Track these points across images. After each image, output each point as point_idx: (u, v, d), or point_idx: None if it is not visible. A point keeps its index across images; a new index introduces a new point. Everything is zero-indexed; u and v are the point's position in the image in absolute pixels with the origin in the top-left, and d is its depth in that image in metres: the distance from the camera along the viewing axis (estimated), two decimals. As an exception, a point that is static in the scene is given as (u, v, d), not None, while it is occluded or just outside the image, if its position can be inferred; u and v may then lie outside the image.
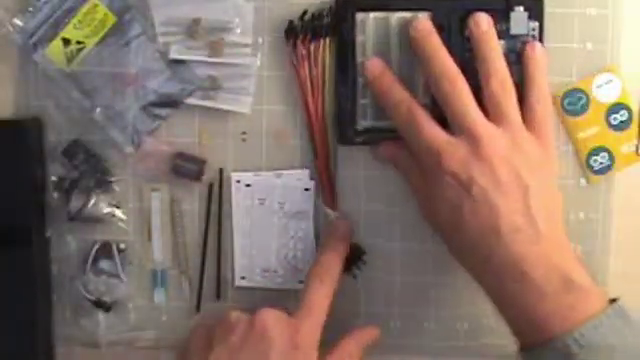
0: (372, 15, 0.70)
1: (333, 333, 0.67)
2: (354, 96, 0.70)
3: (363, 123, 0.71)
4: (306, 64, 0.70)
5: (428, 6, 0.69)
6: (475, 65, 0.66)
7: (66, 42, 0.70)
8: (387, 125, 0.69)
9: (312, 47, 0.70)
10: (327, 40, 0.70)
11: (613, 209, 0.74)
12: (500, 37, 0.68)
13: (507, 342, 0.73)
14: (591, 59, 0.72)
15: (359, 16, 0.70)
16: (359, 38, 0.70)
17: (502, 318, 0.63)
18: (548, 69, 0.70)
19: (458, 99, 0.64)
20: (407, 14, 0.69)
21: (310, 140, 0.72)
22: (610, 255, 0.75)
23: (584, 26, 0.72)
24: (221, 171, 0.73)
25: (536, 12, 0.70)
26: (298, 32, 0.70)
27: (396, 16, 0.69)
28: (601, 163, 0.73)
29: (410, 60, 0.69)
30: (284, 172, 0.73)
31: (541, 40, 0.70)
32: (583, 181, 0.74)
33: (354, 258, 0.73)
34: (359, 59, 0.70)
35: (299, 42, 0.70)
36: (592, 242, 0.74)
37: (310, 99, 0.71)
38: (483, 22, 0.66)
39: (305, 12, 0.70)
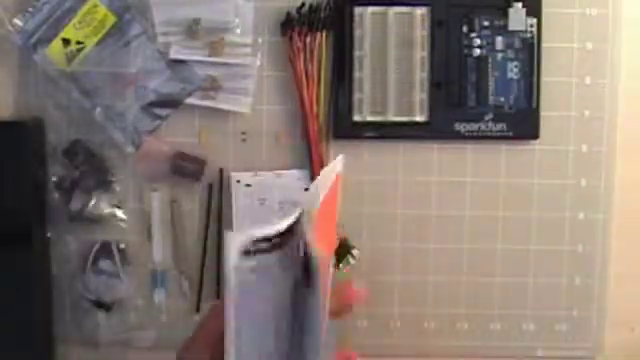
0: (370, 9, 0.70)
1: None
2: (350, 90, 0.71)
3: (359, 117, 0.71)
4: (302, 57, 0.70)
5: (426, 1, 0.69)
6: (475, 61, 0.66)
7: (66, 42, 0.70)
8: (382, 120, 0.70)
9: (308, 40, 0.70)
10: (324, 34, 0.70)
11: (613, 209, 0.74)
12: (498, 33, 0.69)
13: (509, 344, 0.73)
14: (591, 59, 0.73)
15: (357, 10, 0.70)
16: (357, 32, 0.70)
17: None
18: (549, 70, 0.70)
19: None
20: (405, 9, 0.70)
21: (304, 136, 0.72)
22: (610, 255, 0.75)
23: (584, 26, 0.72)
24: (221, 171, 0.73)
25: (534, 8, 0.70)
26: (295, 25, 0.70)
27: (394, 11, 0.70)
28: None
29: (407, 55, 0.70)
30: (284, 172, 0.73)
31: (539, 36, 0.70)
32: (583, 181, 0.74)
33: (343, 253, 0.72)
34: (356, 53, 0.70)
35: (295, 35, 0.70)
36: (592, 242, 0.74)
37: (305, 93, 0.71)
38: None
39: (303, 4, 0.70)
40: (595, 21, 0.72)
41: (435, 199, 0.74)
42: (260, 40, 0.72)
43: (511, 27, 0.70)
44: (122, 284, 0.74)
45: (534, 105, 0.72)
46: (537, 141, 0.73)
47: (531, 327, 0.75)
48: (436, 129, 0.72)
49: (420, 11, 0.70)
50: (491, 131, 0.72)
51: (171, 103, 0.72)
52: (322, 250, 0.38)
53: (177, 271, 0.75)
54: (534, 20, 0.70)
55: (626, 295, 0.75)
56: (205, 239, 0.74)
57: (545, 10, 0.71)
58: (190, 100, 0.72)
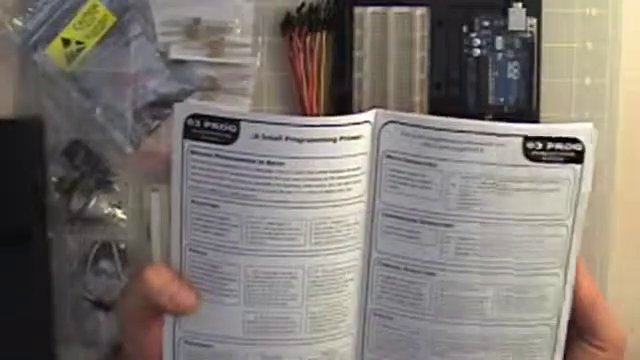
0: (370, 9, 0.70)
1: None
2: (350, 90, 0.71)
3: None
4: (302, 57, 0.70)
5: (426, 1, 0.69)
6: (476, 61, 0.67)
7: (66, 42, 0.70)
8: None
9: (308, 40, 0.70)
10: (324, 34, 0.70)
11: (613, 209, 0.74)
12: (498, 33, 0.69)
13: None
14: (591, 59, 0.73)
15: (357, 10, 0.70)
16: (357, 32, 0.70)
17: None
18: (549, 70, 0.70)
19: None
20: (405, 9, 0.70)
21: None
22: (609, 255, 0.74)
23: (584, 26, 0.72)
24: (221, 171, 0.73)
25: (534, 8, 0.70)
26: (295, 25, 0.70)
27: (394, 11, 0.70)
28: None
29: (407, 55, 0.70)
30: (284, 172, 0.73)
31: (539, 36, 0.70)
32: (583, 181, 0.74)
33: None
34: (356, 53, 0.70)
35: (295, 35, 0.70)
36: (591, 242, 0.74)
37: (305, 93, 0.71)
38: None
39: (303, 4, 0.70)
40: (595, 21, 0.72)
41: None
42: (260, 40, 0.72)
43: (511, 27, 0.70)
44: (122, 284, 0.74)
45: (534, 105, 0.72)
46: (537, 141, 0.73)
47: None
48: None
49: (420, 11, 0.70)
50: (491, 131, 0.72)
51: (171, 103, 0.72)
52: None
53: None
54: (534, 20, 0.70)
55: (625, 295, 0.75)
56: (205, 239, 0.74)
57: (545, 10, 0.71)
58: (190, 100, 0.72)
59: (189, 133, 0.40)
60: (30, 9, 0.70)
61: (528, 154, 0.41)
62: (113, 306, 0.74)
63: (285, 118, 0.39)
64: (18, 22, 0.70)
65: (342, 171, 0.41)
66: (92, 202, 0.73)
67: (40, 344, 0.73)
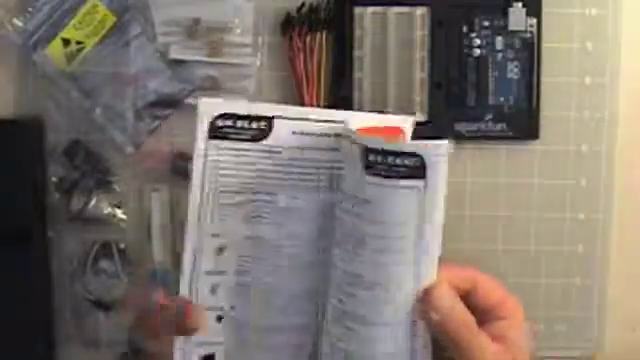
0: (370, 9, 0.70)
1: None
2: (350, 90, 0.71)
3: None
4: (302, 57, 0.70)
5: (426, 1, 0.70)
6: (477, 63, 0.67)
7: (66, 42, 0.70)
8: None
9: (308, 40, 0.70)
10: (324, 34, 0.70)
11: (613, 209, 0.74)
12: (498, 33, 0.69)
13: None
14: (591, 59, 0.73)
15: (357, 10, 0.70)
16: (357, 32, 0.70)
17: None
18: (549, 70, 0.70)
19: None
20: (405, 9, 0.70)
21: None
22: (610, 255, 0.75)
23: (584, 26, 0.72)
24: (221, 171, 0.73)
25: (534, 8, 0.70)
26: (295, 25, 0.70)
27: (394, 11, 0.70)
28: None
29: (407, 55, 0.70)
30: (284, 172, 0.73)
31: (539, 36, 0.70)
32: (583, 181, 0.74)
33: None
34: (356, 53, 0.70)
35: (295, 35, 0.70)
36: (592, 242, 0.74)
37: (305, 93, 0.71)
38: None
39: (303, 4, 0.70)
40: (595, 21, 0.72)
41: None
42: (260, 40, 0.72)
43: (511, 27, 0.70)
44: (122, 284, 0.74)
45: (534, 105, 0.72)
46: (537, 141, 0.73)
47: (531, 327, 0.75)
48: (436, 129, 0.72)
49: (420, 11, 0.70)
50: (491, 131, 0.72)
51: (171, 103, 0.72)
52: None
53: (177, 271, 0.75)
54: (534, 20, 0.70)
55: (627, 295, 0.75)
56: (205, 239, 0.74)
57: (545, 10, 0.71)
58: (190, 100, 0.72)
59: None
60: (30, 9, 0.70)
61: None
62: (113, 306, 0.74)
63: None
64: (18, 22, 0.70)
65: None
66: (92, 202, 0.73)
67: (40, 344, 0.73)
